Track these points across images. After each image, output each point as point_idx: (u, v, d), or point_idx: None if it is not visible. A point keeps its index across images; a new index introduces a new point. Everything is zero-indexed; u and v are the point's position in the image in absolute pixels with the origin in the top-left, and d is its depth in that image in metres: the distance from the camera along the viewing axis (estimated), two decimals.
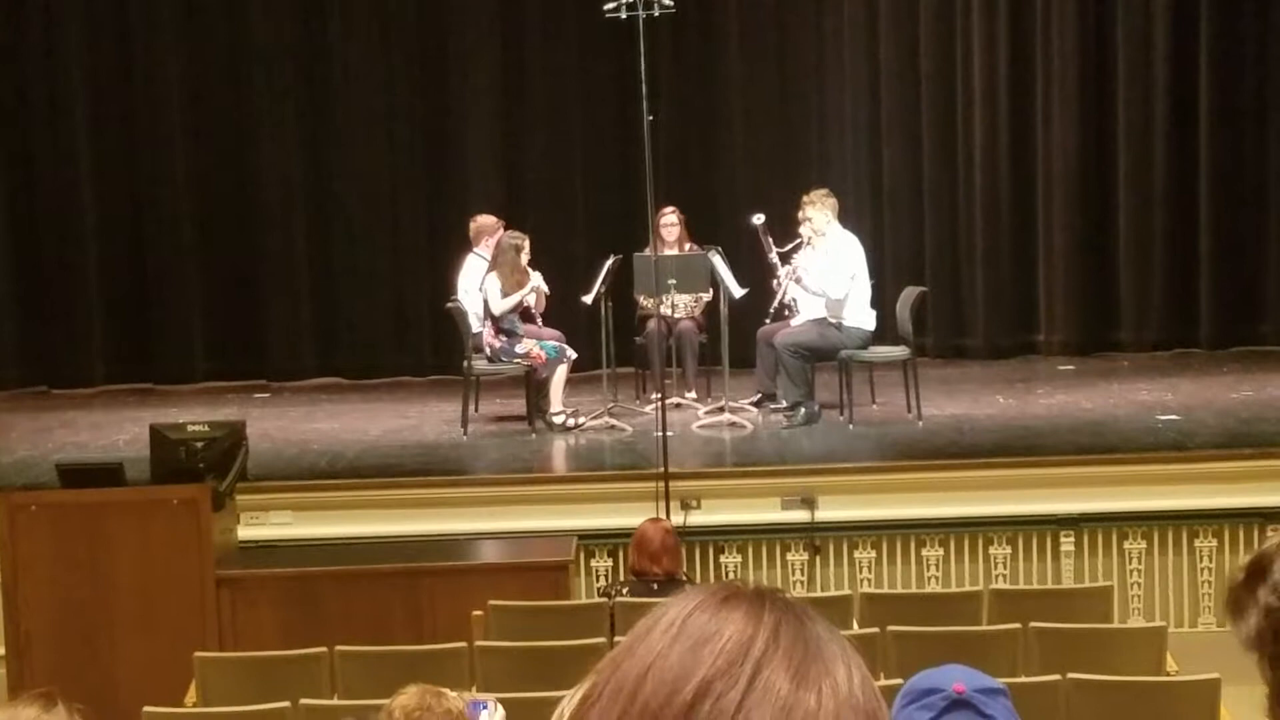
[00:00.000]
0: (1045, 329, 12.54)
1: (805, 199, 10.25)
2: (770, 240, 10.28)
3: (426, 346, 12.57)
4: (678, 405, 10.41)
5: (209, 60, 12.65)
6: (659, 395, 9.52)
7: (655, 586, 7.01)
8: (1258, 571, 1.96)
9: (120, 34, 12.64)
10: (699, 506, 8.72)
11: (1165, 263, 12.39)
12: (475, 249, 10.78)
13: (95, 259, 12.59)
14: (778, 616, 1.16)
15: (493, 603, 6.94)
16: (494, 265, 10.31)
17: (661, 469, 8.62)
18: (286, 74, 12.69)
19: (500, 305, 10.17)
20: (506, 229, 10.67)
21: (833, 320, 10.03)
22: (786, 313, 10.31)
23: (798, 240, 10.24)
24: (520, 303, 10.25)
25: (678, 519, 8.35)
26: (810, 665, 1.14)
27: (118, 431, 10.59)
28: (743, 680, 1.12)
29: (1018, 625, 6.32)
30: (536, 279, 10.29)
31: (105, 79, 12.62)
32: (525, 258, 10.29)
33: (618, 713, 1.14)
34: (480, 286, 10.35)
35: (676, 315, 10.73)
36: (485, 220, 10.92)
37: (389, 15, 12.72)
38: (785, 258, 10.24)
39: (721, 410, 10.22)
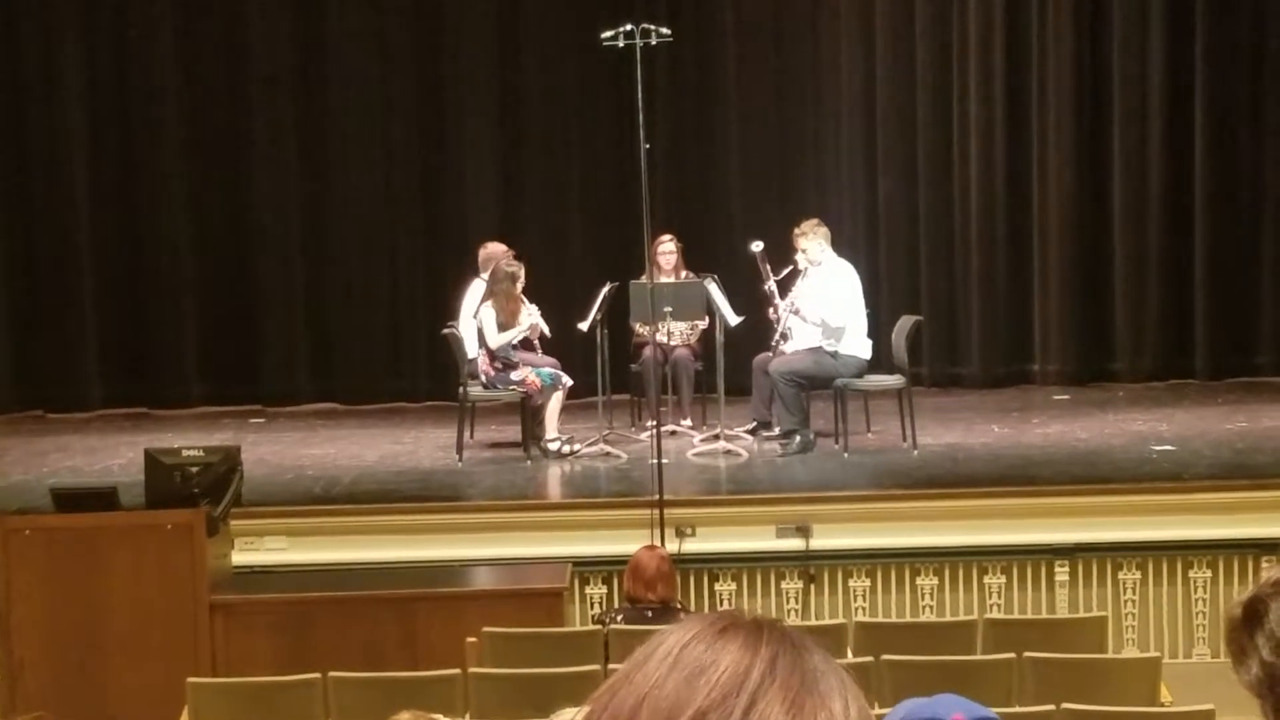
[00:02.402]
0: (1040, 358, 12.56)
1: (797, 231, 10.29)
2: (768, 268, 10.31)
3: (422, 372, 12.57)
4: (673, 433, 10.41)
5: (206, 86, 12.68)
6: (654, 422, 9.52)
7: (650, 614, 7.00)
8: (1253, 616, 1.96)
9: (117, 64, 12.66)
10: (694, 534, 8.71)
11: (1161, 293, 12.42)
12: (482, 275, 10.74)
13: (91, 283, 12.60)
14: (775, 648, 1.16)
15: (487, 629, 6.92)
16: (489, 294, 10.31)
17: (657, 496, 8.62)
18: (284, 99, 12.72)
19: (496, 340, 10.17)
20: (516, 257, 10.66)
21: (829, 349, 10.05)
22: (784, 342, 10.31)
23: (791, 267, 10.27)
24: (515, 339, 10.26)
25: (673, 546, 8.34)
26: (806, 698, 1.14)
27: (113, 456, 10.57)
28: (737, 712, 1.12)
29: (1012, 655, 6.32)
30: (535, 316, 10.28)
31: (101, 105, 12.64)
32: (520, 286, 10.30)
33: None
34: (475, 315, 10.35)
35: (672, 342, 10.75)
36: (495, 247, 10.88)
37: (387, 40, 12.76)
38: (781, 285, 10.27)
39: (717, 438, 10.22)
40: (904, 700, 2.62)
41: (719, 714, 1.12)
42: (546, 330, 10.40)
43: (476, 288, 10.71)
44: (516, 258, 10.61)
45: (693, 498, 9.04)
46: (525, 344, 10.45)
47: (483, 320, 10.22)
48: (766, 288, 10.29)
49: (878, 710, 5.30)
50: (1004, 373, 12.52)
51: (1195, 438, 10.13)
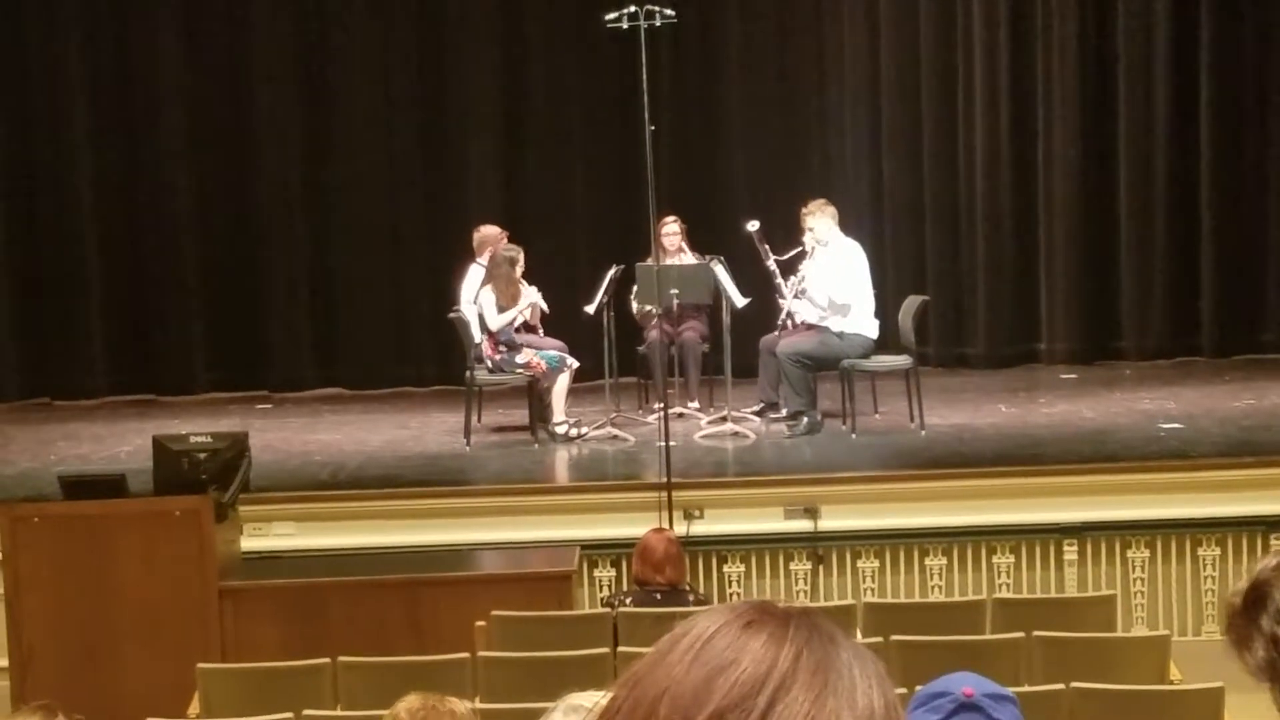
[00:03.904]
0: (1047, 337, 12.54)
1: (804, 210, 10.27)
2: (767, 247, 10.30)
3: (428, 357, 12.57)
4: (680, 415, 10.41)
5: (210, 73, 12.67)
6: (661, 405, 9.52)
7: (659, 596, 7.01)
8: (1257, 600, 1.95)
9: (120, 46, 12.66)
10: (702, 516, 8.71)
11: (1167, 271, 12.39)
12: (478, 259, 10.77)
13: (97, 271, 12.60)
14: (800, 645, 1.14)
15: (495, 613, 6.93)
16: (489, 278, 10.31)
17: (665, 479, 8.62)
18: (287, 85, 12.70)
19: (495, 321, 10.18)
20: (510, 240, 10.68)
21: (835, 329, 10.04)
22: (792, 324, 10.31)
23: (799, 249, 10.25)
24: (515, 318, 10.26)
25: (681, 529, 8.35)
26: (829, 698, 1.12)
27: (120, 443, 10.59)
28: (756, 714, 1.11)
29: (1021, 634, 6.32)
30: (534, 295, 10.29)
31: (105, 92, 12.64)
32: (520, 270, 10.29)
33: None
34: (475, 299, 10.36)
35: (654, 312, 10.57)
36: (489, 231, 10.93)
37: (389, 25, 12.74)
38: (785, 265, 10.26)
39: (724, 420, 10.21)
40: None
41: (737, 714, 1.11)
42: (545, 307, 10.39)
43: (474, 273, 10.72)
44: (512, 241, 10.62)
45: (701, 480, 9.04)
46: (528, 327, 10.46)
47: (482, 304, 10.23)
48: (768, 265, 10.29)
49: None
50: (1010, 352, 12.51)
51: (1202, 415, 10.12)
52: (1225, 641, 2.00)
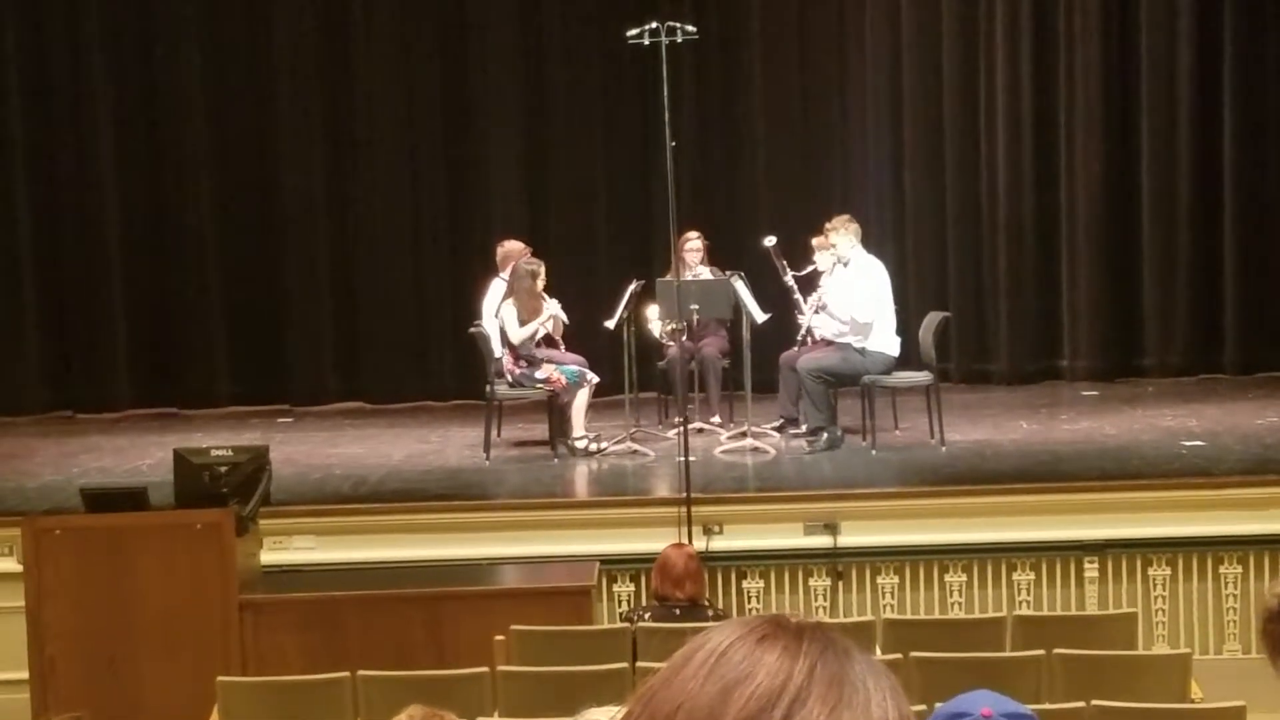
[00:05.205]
0: (1069, 354, 12.52)
1: (828, 225, 10.28)
2: (784, 263, 10.31)
3: (449, 371, 12.59)
4: (700, 430, 10.40)
5: (233, 87, 12.72)
6: (681, 420, 9.51)
7: (678, 612, 7.01)
8: None
9: (144, 61, 12.72)
10: (721, 532, 8.70)
11: (1190, 287, 12.36)
12: (501, 274, 10.78)
13: (120, 284, 12.65)
14: (814, 658, 1.14)
15: (515, 628, 6.93)
16: (510, 292, 10.31)
17: (684, 494, 8.61)
18: (310, 100, 12.75)
19: (517, 335, 10.18)
20: (533, 254, 10.69)
21: (856, 345, 10.03)
22: (811, 340, 10.32)
23: (811, 267, 10.28)
24: (537, 332, 10.26)
25: (700, 544, 8.34)
26: (844, 711, 1.13)
27: (142, 456, 10.62)
28: None
29: (1041, 652, 6.30)
30: (554, 307, 10.30)
31: (129, 103, 12.70)
32: (541, 284, 10.30)
33: None
34: (496, 313, 10.36)
35: (679, 329, 10.60)
36: (512, 245, 10.93)
37: (412, 38, 12.78)
38: (801, 282, 10.27)
39: (744, 435, 10.21)
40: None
41: None
42: (565, 319, 10.40)
43: (497, 287, 10.73)
44: (534, 255, 10.63)
45: (720, 495, 9.03)
46: (550, 342, 10.46)
47: (504, 318, 10.23)
48: (786, 281, 10.29)
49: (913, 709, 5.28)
50: (1032, 369, 12.48)
51: (1225, 433, 10.09)
52: (1260, 644, 2.00)
